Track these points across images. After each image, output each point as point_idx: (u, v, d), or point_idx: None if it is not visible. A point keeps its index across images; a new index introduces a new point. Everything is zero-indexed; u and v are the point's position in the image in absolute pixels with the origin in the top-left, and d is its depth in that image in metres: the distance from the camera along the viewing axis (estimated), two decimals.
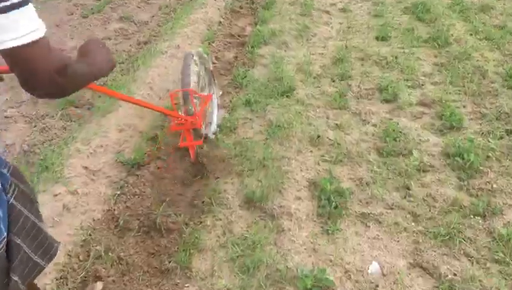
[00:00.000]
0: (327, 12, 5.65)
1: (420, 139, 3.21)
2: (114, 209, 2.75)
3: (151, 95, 3.84)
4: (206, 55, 3.36)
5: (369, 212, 2.61)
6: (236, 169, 3.04)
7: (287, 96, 3.82)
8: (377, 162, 3.03)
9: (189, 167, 3.16)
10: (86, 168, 2.91)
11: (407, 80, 4.01)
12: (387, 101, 3.73)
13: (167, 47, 4.64)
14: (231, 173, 3.04)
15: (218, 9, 5.78)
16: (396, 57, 4.39)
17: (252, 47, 4.86)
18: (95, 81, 1.40)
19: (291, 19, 5.48)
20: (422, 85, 3.93)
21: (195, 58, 3.03)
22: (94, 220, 2.65)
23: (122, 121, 3.43)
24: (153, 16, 5.90)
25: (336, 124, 3.45)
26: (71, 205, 2.64)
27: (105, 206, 2.77)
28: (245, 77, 4.23)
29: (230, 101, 3.92)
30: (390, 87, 3.81)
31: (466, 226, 2.48)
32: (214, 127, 3.48)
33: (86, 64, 1.20)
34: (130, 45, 5.12)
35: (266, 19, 5.53)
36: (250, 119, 3.60)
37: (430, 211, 2.62)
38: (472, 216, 2.54)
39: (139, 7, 6.11)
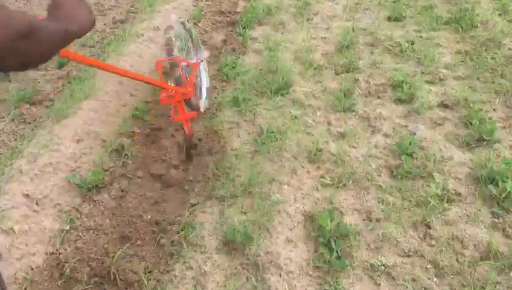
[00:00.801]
0: None
1: (442, 156, 2.62)
2: (60, 253, 2.20)
3: (120, 92, 3.23)
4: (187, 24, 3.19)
5: (379, 263, 2.05)
6: (216, 193, 2.48)
7: (281, 94, 3.20)
8: (390, 187, 2.45)
9: (159, 188, 2.61)
10: (27, 195, 2.34)
11: (425, 73, 3.37)
12: (401, 101, 3.11)
13: (144, 29, 3.99)
14: (210, 197, 2.48)
15: None
16: (412, 43, 3.73)
17: (243, 28, 4.20)
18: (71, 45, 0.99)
19: None
20: (443, 80, 3.30)
21: (176, 26, 2.85)
22: (32, 268, 2.11)
23: (81, 127, 2.84)
24: None
25: (340, 133, 2.85)
26: (3, 249, 2.09)
27: (50, 248, 2.21)
28: (234, 67, 3.59)
29: (215, 98, 3.30)
30: (405, 83, 3.18)
31: (505, 287, 1.93)
32: (205, 95, 3.18)
33: (56, 20, 0.96)
34: (105, 24, 4.46)
35: None
36: (237, 123, 3.00)
37: (457, 261, 2.06)
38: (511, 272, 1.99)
39: None
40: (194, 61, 3.11)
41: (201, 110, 2.98)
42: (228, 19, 4.51)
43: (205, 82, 3.30)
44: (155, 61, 3.52)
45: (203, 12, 4.54)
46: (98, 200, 2.48)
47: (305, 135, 2.83)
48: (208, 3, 4.76)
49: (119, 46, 3.75)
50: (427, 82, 3.29)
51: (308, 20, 4.25)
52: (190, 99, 2.69)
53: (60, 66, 3.75)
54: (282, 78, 3.28)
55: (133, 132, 2.99)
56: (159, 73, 2.68)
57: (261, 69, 3.53)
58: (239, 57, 3.78)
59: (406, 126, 2.89)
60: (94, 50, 3.98)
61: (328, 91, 3.25)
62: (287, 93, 3.21)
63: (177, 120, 2.69)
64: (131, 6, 4.78)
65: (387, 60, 3.59)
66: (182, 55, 2.95)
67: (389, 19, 4.16)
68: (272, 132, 2.81)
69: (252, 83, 3.37)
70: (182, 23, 3.12)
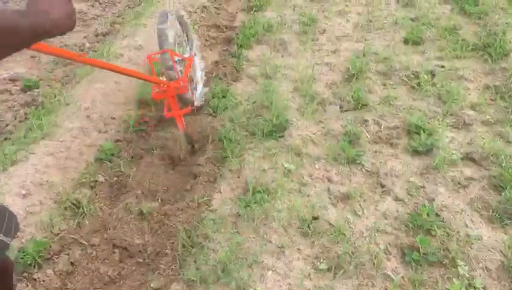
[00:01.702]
0: None
1: (468, 235, 2.10)
2: None
3: (85, 130, 2.75)
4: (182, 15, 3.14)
5: None
6: (184, 275, 2.00)
7: (274, 138, 2.70)
8: (401, 278, 1.95)
9: (117, 261, 2.14)
10: None
11: (446, 115, 2.85)
12: (417, 153, 2.59)
13: (124, 47, 3.50)
14: (177, 281, 2.00)
15: None
16: (432, 75, 3.20)
17: (239, 46, 3.70)
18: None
19: (295, 6, 4.25)
20: (469, 125, 2.77)
21: (170, 17, 2.70)
22: None
23: (31, 176, 2.37)
24: None
25: (342, 194, 2.35)
26: None
27: None
28: (223, 97, 3.10)
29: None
30: (423, 129, 2.67)
31: None
32: (199, 92, 3.16)
33: (27, 15, 0.90)
34: (85, 37, 4.00)
35: (263, 3, 4.32)
36: (221, 175, 2.51)
37: None
38: None
39: None
40: (188, 55, 3.07)
41: (196, 105, 2.92)
42: (224, 34, 4.02)
43: (199, 76, 3.26)
44: (134, 87, 3.09)
45: (196, 27, 4.04)
46: (38, 278, 2.02)
47: (299, 197, 2.33)
48: (202, 15, 4.26)
49: (94, 69, 3.27)
50: (449, 126, 2.77)
51: (313, 40, 3.73)
52: (184, 93, 2.65)
53: (27, 87, 3.29)
54: (277, 117, 2.77)
55: (96, 181, 2.52)
56: (151, 67, 2.63)
57: (254, 102, 3.03)
58: (231, 85, 3.28)
59: (423, 187, 2.38)
60: (67, 70, 3.51)
61: (331, 135, 2.74)
62: (281, 137, 2.70)
63: (170, 116, 2.65)
64: (118, 16, 4.31)
65: (403, 94, 3.07)
66: (176, 49, 2.83)
67: (405, 41, 3.63)
68: (259, 192, 2.32)
69: (242, 118, 2.88)
70: (178, 16, 3.02)
